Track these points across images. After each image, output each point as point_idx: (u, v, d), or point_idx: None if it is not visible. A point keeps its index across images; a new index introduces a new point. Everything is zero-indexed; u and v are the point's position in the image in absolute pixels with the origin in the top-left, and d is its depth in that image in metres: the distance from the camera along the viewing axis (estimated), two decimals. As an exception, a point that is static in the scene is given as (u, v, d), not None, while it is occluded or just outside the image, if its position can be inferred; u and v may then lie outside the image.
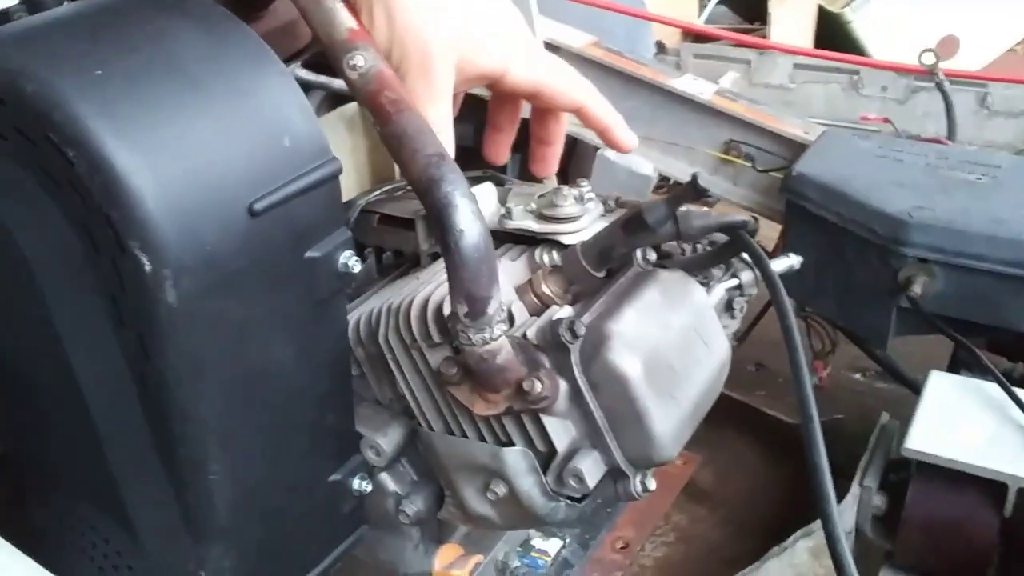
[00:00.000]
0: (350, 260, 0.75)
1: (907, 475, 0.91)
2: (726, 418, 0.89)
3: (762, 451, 1.37)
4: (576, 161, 1.62)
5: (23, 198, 0.65)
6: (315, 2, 0.80)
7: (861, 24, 2.59)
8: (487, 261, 0.71)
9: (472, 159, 1.34)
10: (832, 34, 2.59)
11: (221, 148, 0.67)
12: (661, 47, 1.92)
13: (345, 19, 0.79)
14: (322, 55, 1.13)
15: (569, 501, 0.81)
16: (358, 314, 0.87)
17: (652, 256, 0.88)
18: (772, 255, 1.25)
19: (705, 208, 0.86)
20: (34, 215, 0.66)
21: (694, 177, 0.79)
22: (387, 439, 0.85)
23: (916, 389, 1.06)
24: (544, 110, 0.91)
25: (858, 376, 1.63)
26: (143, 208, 0.62)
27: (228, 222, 0.66)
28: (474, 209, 0.70)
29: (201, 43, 0.70)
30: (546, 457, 0.80)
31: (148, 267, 0.63)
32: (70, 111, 0.61)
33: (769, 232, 1.53)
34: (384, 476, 0.88)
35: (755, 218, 0.86)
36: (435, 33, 0.79)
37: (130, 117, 0.63)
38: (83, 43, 0.65)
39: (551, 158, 0.94)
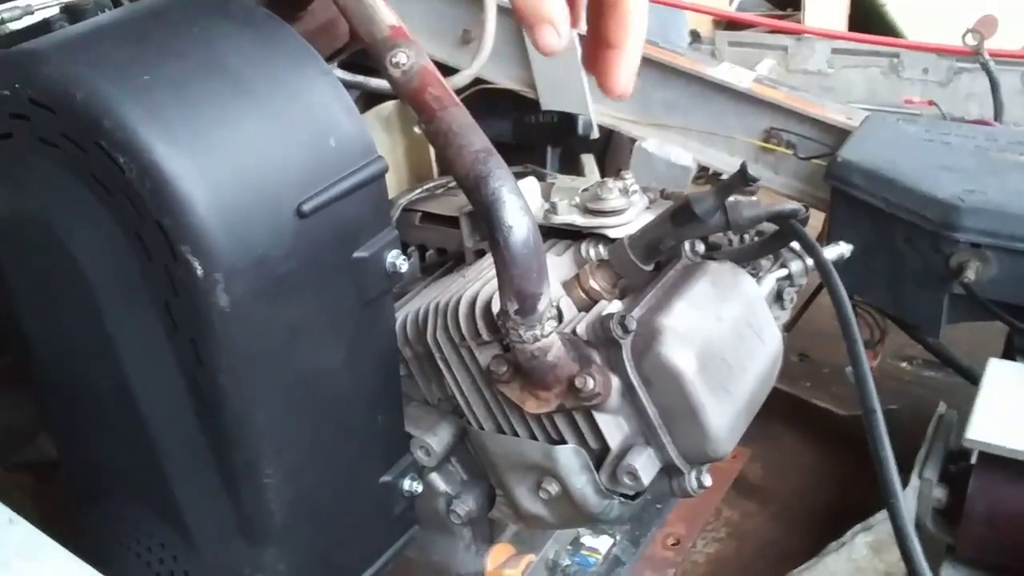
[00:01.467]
0: (397, 259, 0.75)
1: (967, 466, 0.89)
2: (774, 410, 0.87)
3: (812, 443, 1.35)
4: (612, 152, 1.61)
5: (74, 205, 0.65)
6: (356, 1, 0.79)
7: (896, 6, 2.55)
8: (537, 257, 0.70)
9: (511, 155, 1.34)
10: (867, 17, 2.55)
11: (269, 150, 0.66)
12: (696, 36, 1.90)
13: (386, 16, 0.79)
14: (360, 54, 1.14)
15: (623, 499, 0.80)
16: (405, 313, 0.87)
17: (700, 248, 0.87)
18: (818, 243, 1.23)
19: (753, 198, 0.84)
20: (85, 222, 0.66)
21: (743, 166, 0.77)
22: (437, 439, 0.85)
23: (971, 377, 1.04)
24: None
25: (905, 365, 1.60)
26: (194, 213, 0.62)
27: (277, 224, 0.66)
28: (522, 205, 0.70)
29: (246, 45, 0.69)
30: (599, 454, 0.79)
31: (200, 271, 0.62)
32: (119, 118, 0.60)
33: (812, 220, 1.51)
34: (434, 476, 0.87)
35: (805, 207, 0.84)
36: None
37: (179, 122, 0.63)
38: (129, 49, 0.65)
39: (615, 65, 0.66)
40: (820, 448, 1.34)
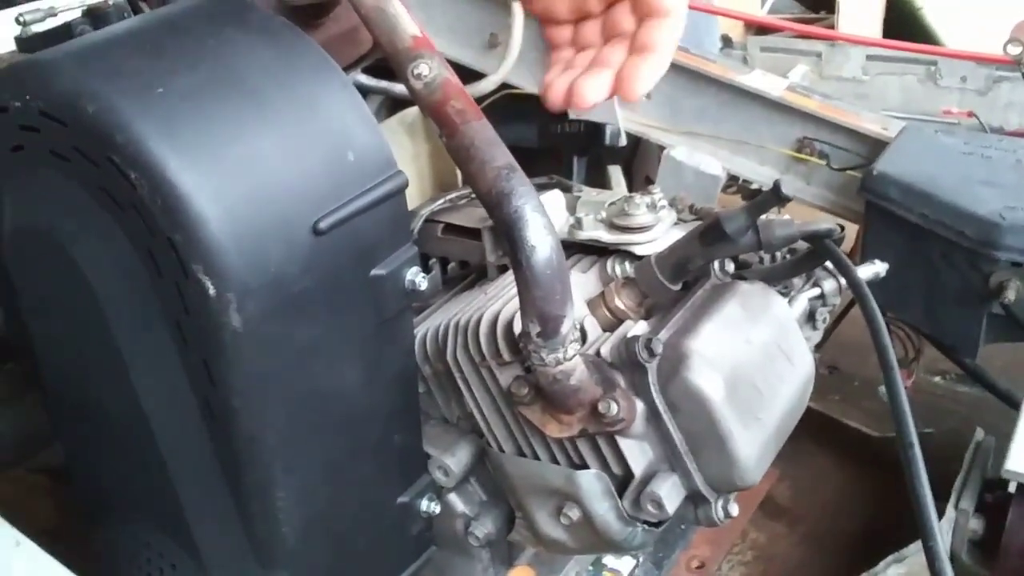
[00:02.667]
0: (416, 277, 0.73)
1: (1005, 495, 0.85)
2: (803, 429, 0.84)
3: (842, 464, 1.31)
4: (640, 160, 1.58)
5: (84, 219, 0.64)
6: (378, 10, 0.77)
7: (933, 10, 2.50)
8: (560, 278, 0.67)
9: (535, 160, 1.32)
10: (902, 21, 2.51)
11: (285, 166, 0.64)
12: (727, 41, 1.87)
13: (408, 26, 0.77)
14: (384, 61, 1.12)
15: (646, 526, 0.77)
16: (424, 329, 0.85)
17: (730, 267, 0.84)
18: (850, 258, 1.20)
19: (786, 216, 0.82)
20: (96, 236, 0.64)
21: (776, 184, 0.75)
22: (455, 460, 0.83)
23: (1010, 401, 1.00)
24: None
25: (938, 379, 1.56)
26: (206, 231, 0.60)
27: (292, 242, 0.64)
28: (546, 223, 0.67)
29: (263, 57, 0.67)
30: (622, 480, 0.76)
31: (212, 291, 0.61)
32: (132, 133, 0.59)
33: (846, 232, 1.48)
34: (453, 497, 0.85)
35: (841, 226, 0.81)
36: None
37: (192, 137, 0.61)
38: (144, 60, 0.63)
39: (654, 69, 0.68)
40: (851, 468, 1.31)
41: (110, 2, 1.01)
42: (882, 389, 1.09)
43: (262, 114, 0.65)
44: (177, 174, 0.59)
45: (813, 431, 1.30)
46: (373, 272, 0.71)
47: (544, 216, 0.67)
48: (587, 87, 0.69)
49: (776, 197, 0.74)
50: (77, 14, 1.12)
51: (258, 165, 0.63)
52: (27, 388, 0.99)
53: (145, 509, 0.76)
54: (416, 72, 0.74)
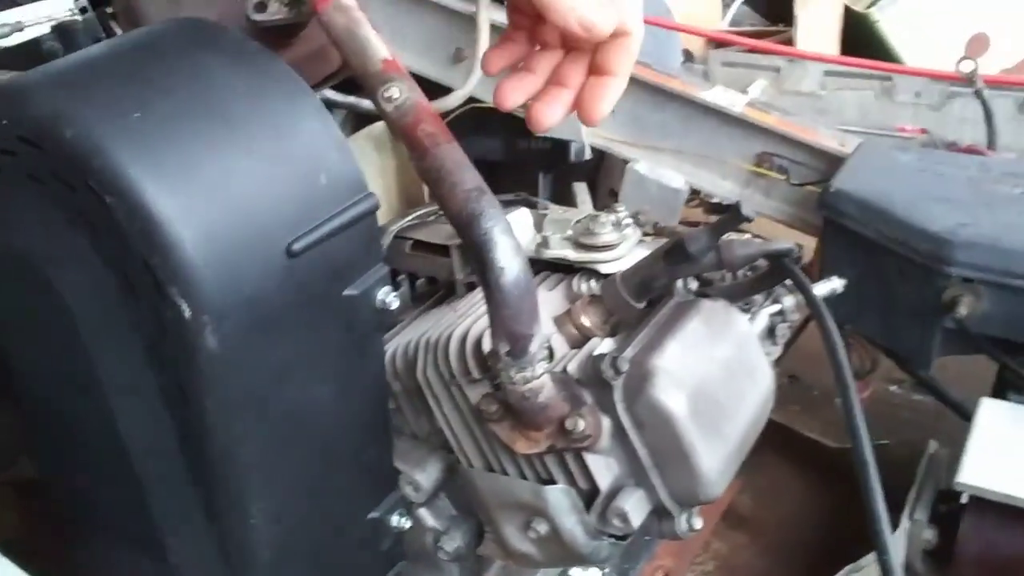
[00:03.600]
0: (388, 296, 0.74)
1: (958, 506, 0.88)
2: (764, 440, 0.87)
3: (802, 475, 1.34)
4: (604, 174, 1.60)
5: (60, 242, 0.64)
6: (349, 33, 0.78)
7: (888, 23, 2.56)
8: (528, 299, 0.69)
9: (501, 175, 1.33)
10: (858, 34, 2.56)
11: (259, 189, 0.65)
12: (689, 56, 1.90)
13: (379, 50, 0.78)
14: (352, 77, 1.13)
15: (612, 539, 0.79)
16: (395, 346, 0.86)
17: (693, 285, 0.87)
18: (809, 271, 1.23)
19: (747, 235, 0.84)
20: (72, 259, 0.65)
21: (737, 206, 0.77)
22: (426, 475, 0.84)
23: (962, 412, 1.03)
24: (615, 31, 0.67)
25: (894, 388, 1.60)
26: (182, 254, 0.61)
27: (267, 264, 0.65)
28: (514, 245, 0.69)
29: (238, 81, 0.68)
30: (589, 495, 0.78)
31: (188, 313, 0.62)
32: (109, 157, 0.60)
33: (804, 244, 1.51)
34: (423, 512, 0.87)
35: (799, 245, 0.83)
36: None
37: (169, 162, 0.62)
38: (120, 85, 0.64)
39: (612, 92, 0.69)
40: (810, 478, 1.34)
41: (79, 19, 1.02)
42: (839, 401, 1.12)
43: (237, 138, 0.66)
44: (154, 198, 0.60)
45: (774, 442, 1.33)
46: (345, 292, 0.72)
47: (512, 238, 0.69)
48: (545, 113, 0.70)
49: (737, 218, 0.76)
50: (45, 29, 1.12)
51: (233, 189, 0.64)
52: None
53: (119, 525, 0.76)
54: (387, 95, 0.75)
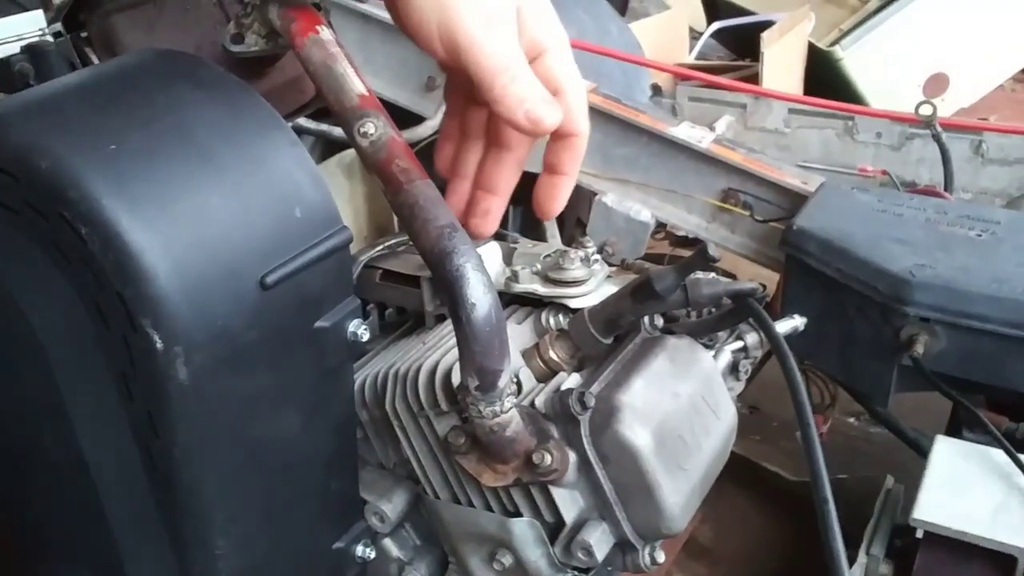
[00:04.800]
0: (359, 329, 0.75)
1: (913, 541, 0.90)
2: (725, 472, 0.88)
3: (762, 506, 1.36)
4: (572, 204, 1.61)
5: (33, 272, 0.64)
6: (326, 67, 0.79)
7: (852, 61, 2.62)
8: (498, 335, 0.70)
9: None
10: (822, 71, 2.61)
11: (234, 222, 0.66)
12: (656, 89, 1.93)
13: (355, 85, 0.79)
14: (327, 109, 1.14)
15: (576, 572, 0.80)
16: (363, 376, 0.87)
17: (659, 322, 0.88)
18: (771, 306, 1.25)
19: (712, 274, 0.86)
20: (44, 290, 0.65)
21: (703, 246, 0.79)
22: (391, 506, 0.85)
23: (918, 448, 1.05)
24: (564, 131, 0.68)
25: (852, 420, 1.63)
26: (155, 286, 0.61)
27: (240, 296, 0.66)
28: (486, 282, 0.70)
29: (213, 114, 0.69)
30: (554, 528, 0.79)
31: (160, 345, 0.62)
32: (84, 189, 0.60)
33: (767, 279, 1.53)
34: (388, 542, 0.87)
35: (763, 285, 0.85)
36: None
37: (144, 194, 0.62)
38: (96, 115, 0.65)
39: (563, 190, 0.71)
40: (770, 510, 1.35)
41: (51, 41, 1.01)
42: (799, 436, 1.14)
43: (212, 171, 0.66)
44: (128, 231, 0.60)
45: (734, 473, 1.34)
46: (317, 324, 0.72)
47: (484, 274, 0.70)
48: (484, 227, 0.73)
49: (704, 259, 0.78)
50: (14, 49, 1.12)
51: (208, 221, 0.65)
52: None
53: (81, 554, 0.76)
54: (362, 131, 0.76)
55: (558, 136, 0.67)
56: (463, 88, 0.70)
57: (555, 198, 0.70)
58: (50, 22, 0.92)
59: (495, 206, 0.71)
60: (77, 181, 0.60)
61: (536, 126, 0.63)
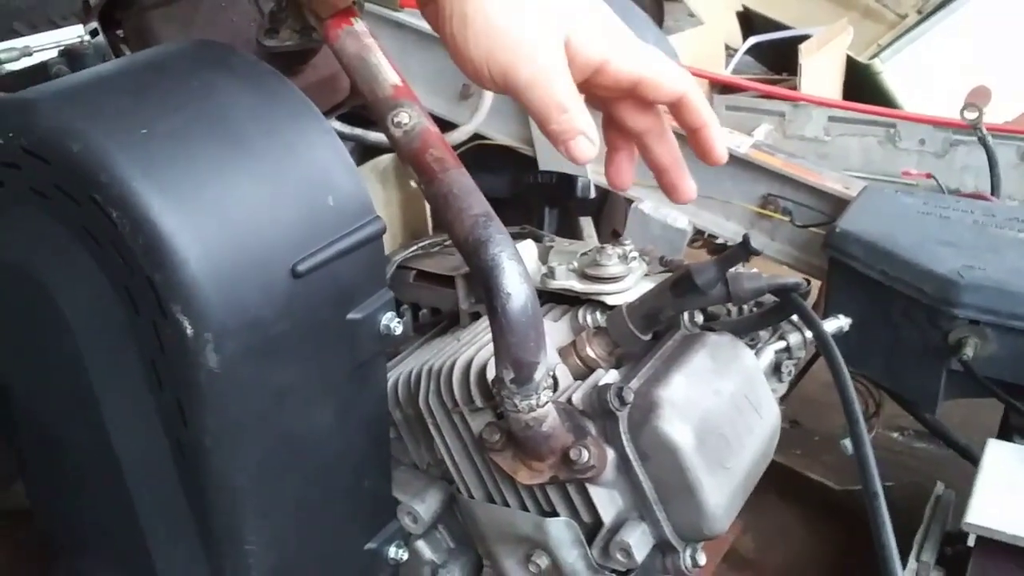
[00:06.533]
0: (392, 322, 0.73)
1: (964, 548, 0.87)
2: (767, 481, 0.86)
3: (805, 517, 1.32)
4: (608, 212, 1.60)
5: (63, 258, 0.64)
6: (359, 58, 0.78)
7: (891, 74, 2.58)
8: (535, 325, 0.68)
9: (506, 210, 1.34)
10: (861, 85, 2.58)
11: (265, 209, 0.65)
12: (694, 99, 1.91)
13: (389, 75, 0.78)
14: (360, 108, 1.13)
15: (615, 574, 0.77)
16: (396, 375, 0.85)
17: (699, 318, 0.86)
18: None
19: (755, 269, 0.83)
20: (73, 273, 0.64)
21: (745, 238, 0.76)
22: (425, 506, 0.83)
23: (968, 456, 1.02)
24: (641, 105, 0.73)
25: (896, 435, 1.58)
26: (186, 271, 0.60)
27: (271, 284, 0.65)
28: (521, 271, 0.68)
29: (246, 100, 0.68)
30: (591, 528, 0.77)
31: (190, 331, 0.61)
32: (116, 172, 0.59)
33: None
34: (421, 544, 0.85)
35: (807, 280, 0.83)
36: (537, 15, 0.67)
37: (175, 178, 0.61)
38: (128, 101, 0.64)
39: (713, 135, 0.74)
40: (813, 521, 1.32)
41: (88, 43, 1.02)
42: (844, 442, 1.11)
43: (245, 157, 0.65)
44: (159, 214, 0.60)
45: (776, 483, 1.31)
46: (349, 316, 0.71)
47: (520, 264, 0.68)
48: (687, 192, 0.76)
49: (745, 251, 0.76)
50: (53, 54, 1.13)
51: (239, 207, 0.64)
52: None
53: (110, 550, 0.75)
54: (396, 120, 0.75)
55: (671, 105, 0.72)
56: None
57: (711, 148, 0.73)
58: (86, 20, 0.92)
59: (681, 174, 0.76)
60: (108, 164, 0.59)
61: (577, 159, 0.67)
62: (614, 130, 0.75)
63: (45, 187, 0.62)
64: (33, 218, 0.64)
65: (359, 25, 0.80)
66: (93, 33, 0.92)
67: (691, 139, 0.74)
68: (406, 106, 0.75)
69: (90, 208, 0.60)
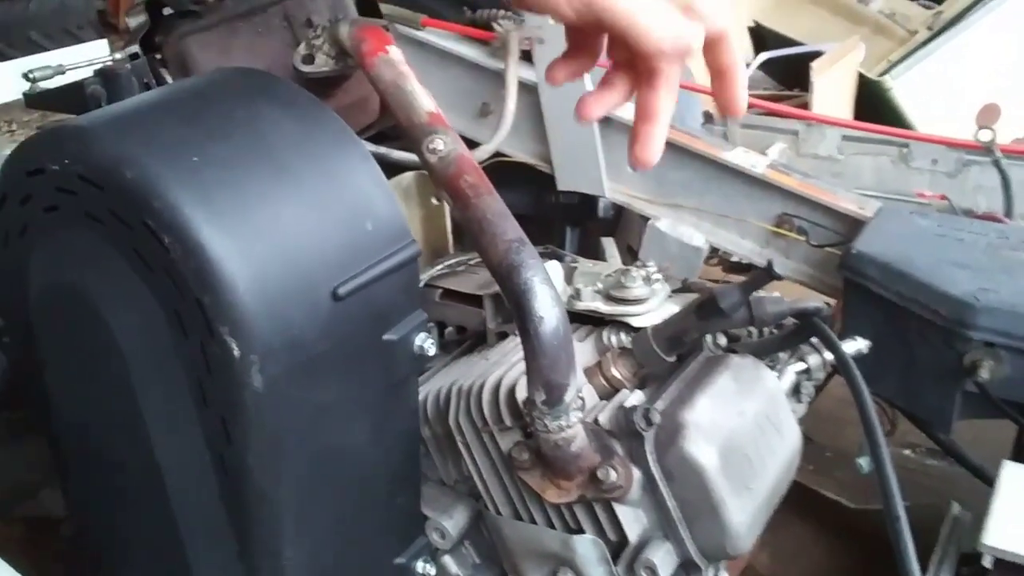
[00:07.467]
0: (425, 342, 0.76)
1: (980, 569, 0.88)
2: (784, 500, 0.87)
3: (821, 533, 1.34)
4: (623, 229, 1.62)
5: (115, 281, 0.66)
6: (395, 86, 0.81)
7: (902, 91, 2.60)
8: (565, 348, 0.70)
9: (529, 227, 1.36)
10: (872, 101, 2.60)
11: (309, 234, 0.67)
12: (708, 117, 1.93)
13: (425, 103, 0.81)
14: (391, 129, 1.15)
15: (639, 592, 0.79)
16: (425, 392, 0.87)
17: (723, 340, 0.88)
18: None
19: (776, 293, 0.85)
20: (124, 295, 0.66)
21: (769, 263, 0.78)
22: (452, 522, 0.85)
23: (982, 476, 1.03)
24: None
25: (908, 452, 1.59)
26: (235, 294, 0.62)
27: (314, 307, 0.67)
28: (553, 295, 0.70)
29: (290, 128, 0.71)
30: (617, 546, 0.78)
31: (237, 352, 0.63)
32: (169, 198, 0.61)
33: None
34: (448, 559, 0.87)
35: (828, 304, 0.85)
36: None
37: (225, 204, 0.64)
38: (179, 129, 0.67)
39: (739, 87, 0.67)
40: (829, 539, 1.33)
41: (124, 64, 1.04)
42: (859, 461, 1.13)
43: (289, 184, 0.68)
44: (209, 239, 0.62)
45: (793, 501, 1.33)
46: (385, 336, 0.73)
47: (552, 288, 0.71)
48: (649, 154, 0.67)
49: (769, 275, 0.78)
50: (85, 71, 1.15)
51: (284, 232, 0.66)
52: (13, 439, 1.00)
53: (151, 563, 0.77)
54: (431, 147, 0.77)
55: (706, 43, 0.65)
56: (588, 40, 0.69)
57: (732, 97, 0.66)
58: (127, 44, 0.95)
59: (660, 132, 0.66)
60: (161, 191, 0.62)
61: (686, 54, 0.62)
62: (623, 69, 0.68)
63: (99, 212, 0.64)
64: (86, 241, 0.66)
65: (394, 53, 0.83)
66: (133, 56, 0.94)
67: (716, 87, 0.67)
68: (441, 133, 0.78)
69: (142, 233, 0.63)
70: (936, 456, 1.54)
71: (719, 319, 0.81)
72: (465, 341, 0.99)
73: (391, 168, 1.42)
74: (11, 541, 1.23)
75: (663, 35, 0.61)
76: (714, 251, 1.54)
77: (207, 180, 0.64)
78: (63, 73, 1.24)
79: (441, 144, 0.77)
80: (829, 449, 1.56)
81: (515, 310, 0.70)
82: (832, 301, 1.29)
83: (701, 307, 0.81)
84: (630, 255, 1.60)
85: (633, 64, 0.66)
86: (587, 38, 0.69)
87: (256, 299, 0.63)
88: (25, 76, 1.19)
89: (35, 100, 1.17)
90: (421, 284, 1.02)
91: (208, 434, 0.68)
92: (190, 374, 0.66)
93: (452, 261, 1.07)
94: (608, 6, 0.62)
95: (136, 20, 0.98)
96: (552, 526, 0.80)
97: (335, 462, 0.72)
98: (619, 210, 1.54)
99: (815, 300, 0.86)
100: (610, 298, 0.89)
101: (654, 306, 0.89)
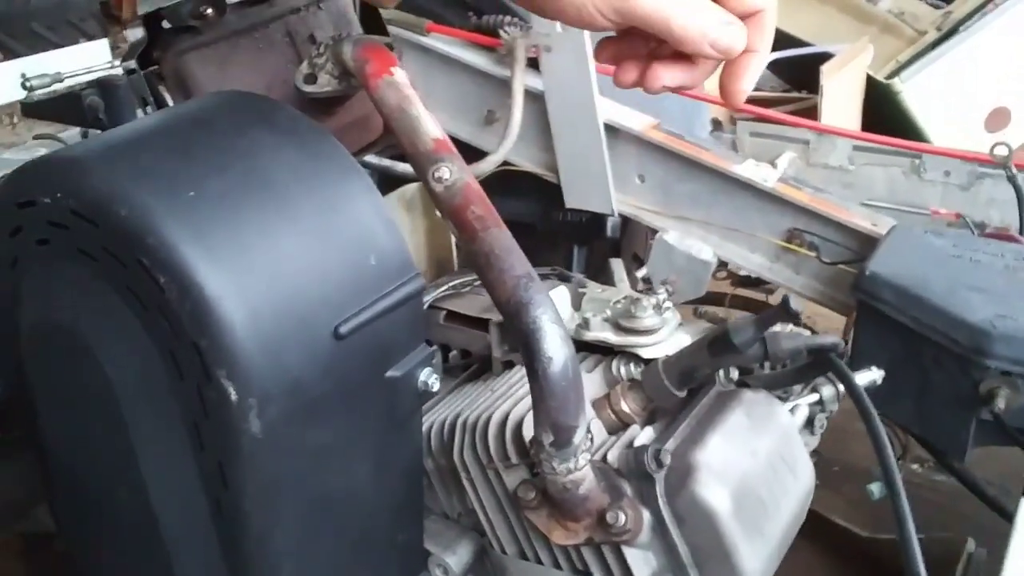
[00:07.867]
0: (430, 378, 0.73)
1: (997, 610, 0.86)
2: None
3: (830, 559, 1.32)
4: (628, 239, 1.60)
5: (110, 320, 0.63)
6: (400, 110, 0.78)
7: (911, 94, 2.57)
8: (575, 389, 0.68)
9: (536, 247, 1.33)
10: (881, 103, 2.57)
11: (310, 271, 0.65)
12: (717, 124, 1.90)
13: (430, 129, 0.78)
14: (393, 146, 1.13)
15: (647, 636, 0.77)
16: (429, 422, 0.85)
17: (735, 374, 0.85)
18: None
19: (791, 327, 0.83)
20: (117, 335, 0.64)
21: (785, 300, 0.76)
22: (456, 558, 0.83)
23: (997, 509, 1.01)
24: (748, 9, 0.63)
25: (916, 467, 1.57)
26: (232, 337, 0.60)
27: (314, 347, 0.64)
28: (562, 335, 0.68)
29: (290, 158, 0.68)
30: (625, 589, 0.76)
31: (234, 396, 0.61)
32: (163, 236, 0.59)
33: (832, 323, 1.49)
34: (450, 596, 0.85)
35: (845, 340, 0.82)
36: None
37: (222, 242, 0.61)
38: (174, 161, 0.64)
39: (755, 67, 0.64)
40: (839, 565, 1.31)
41: (121, 76, 1.02)
42: (871, 487, 1.11)
43: (289, 219, 0.65)
44: (206, 279, 0.59)
45: (802, 527, 1.31)
46: (388, 373, 0.71)
47: (561, 327, 0.68)
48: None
49: (785, 313, 0.76)
50: (82, 78, 1.12)
51: (284, 271, 0.63)
52: (3, 459, 0.98)
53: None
54: (437, 175, 0.75)
55: (746, 16, 0.62)
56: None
57: (741, 77, 0.63)
58: (124, 59, 0.92)
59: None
60: (156, 228, 0.59)
61: (727, 54, 0.61)
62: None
63: (92, 248, 0.62)
64: (78, 277, 0.63)
65: (399, 75, 0.80)
66: (130, 72, 0.91)
67: (730, 62, 0.63)
68: (447, 160, 0.75)
69: (137, 271, 0.60)
70: (943, 471, 1.52)
71: (732, 355, 0.78)
72: (470, 366, 0.97)
73: (394, 180, 1.40)
74: (8, 552, 1.22)
75: (701, 39, 0.59)
76: (723, 265, 1.52)
77: (204, 216, 0.61)
78: (61, 81, 1.22)
79: (447, 172, 0.74)
80: (836, 463, 1.54)
81: (523, 349, 0.68)
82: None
83: (714, 343, 0.78)
84: (636, 263, 1.58)
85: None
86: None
87: (254, 341, 0.61)
88: (23, 85, 1.16)
89: (32, 109, 1.14)
90: (424, 307, 1.00)
91: (204, 478, 0.65)
92: (186, 417, 0.64)
93: (456, 282, 1.04)
94: (641, 13, 0.60)
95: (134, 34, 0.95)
96: (559, 567, 0.78)
97: (335, 503, 0.70)
98: (625, 219, 1.52)
99: (832, 336, 0.83)
100: (619, 327, 0.87)
101: (664, 336, 0.86)
